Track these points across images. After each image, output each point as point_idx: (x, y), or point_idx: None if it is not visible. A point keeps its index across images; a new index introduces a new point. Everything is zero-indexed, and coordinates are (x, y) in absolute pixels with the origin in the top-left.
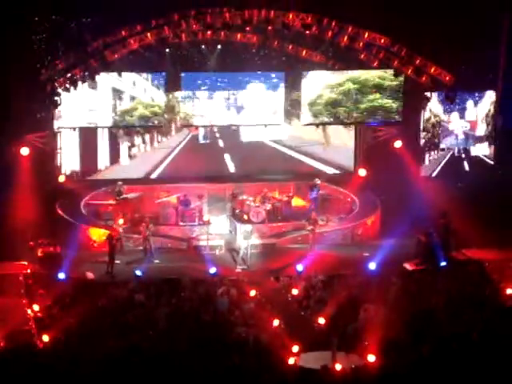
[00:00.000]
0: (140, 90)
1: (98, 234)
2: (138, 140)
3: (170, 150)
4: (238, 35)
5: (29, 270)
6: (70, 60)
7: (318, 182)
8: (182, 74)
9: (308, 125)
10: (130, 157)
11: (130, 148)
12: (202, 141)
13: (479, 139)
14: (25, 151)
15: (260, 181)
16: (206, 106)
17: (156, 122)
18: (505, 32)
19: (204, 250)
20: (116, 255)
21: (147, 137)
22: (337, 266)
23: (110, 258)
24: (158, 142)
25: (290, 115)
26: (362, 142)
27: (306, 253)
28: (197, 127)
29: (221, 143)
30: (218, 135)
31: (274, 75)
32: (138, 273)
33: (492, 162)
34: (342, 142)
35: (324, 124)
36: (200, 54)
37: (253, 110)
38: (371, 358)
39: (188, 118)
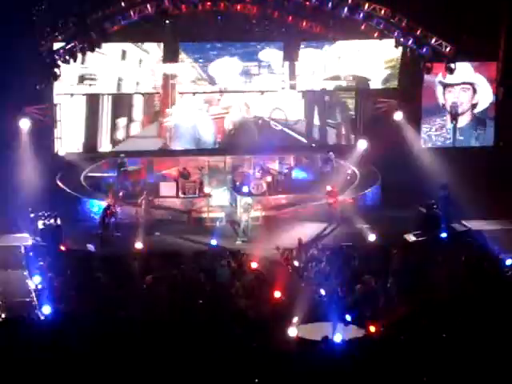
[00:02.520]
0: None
1: (98, 207)
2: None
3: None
4: (238, 6)
5: (30, 242)
6: (69, 32)
7: (332, 155)
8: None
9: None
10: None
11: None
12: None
13: None
14: (24, 124)
15: (260, 153)
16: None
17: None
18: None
19: (204, 222)
20: (115, 228)
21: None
22: (338, 237)
23: (104, 227)
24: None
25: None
26: (362, 114)
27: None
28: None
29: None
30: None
31: None
32: (139, 245)
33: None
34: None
35: (322, 91)
36: (199, 25)
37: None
38: (371, 328)
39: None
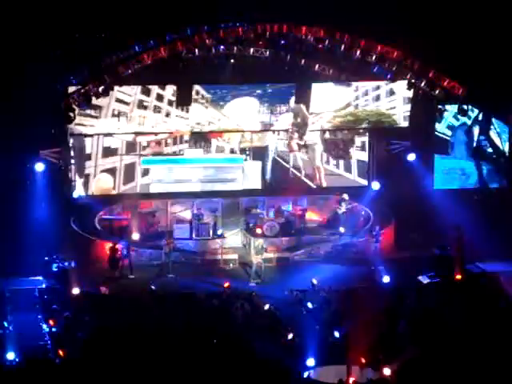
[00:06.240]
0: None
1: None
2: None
3: None
4: (251, 49)
5: (44, 285)
6: (84, 75)
7: (347, 197)
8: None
9: (313, 131)
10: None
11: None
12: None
13: None
14: (40, 167)
15: (274, 194)
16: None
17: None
18: None
19: (218, 264)
20: (129, 270)
21: None
22: (351, 279)
23: (112, 269)
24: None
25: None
26: (375, 156)
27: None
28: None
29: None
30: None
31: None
32: (153, 287)
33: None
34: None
35: (330, 130)
36: (212, 68)
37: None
38: (386, 371)
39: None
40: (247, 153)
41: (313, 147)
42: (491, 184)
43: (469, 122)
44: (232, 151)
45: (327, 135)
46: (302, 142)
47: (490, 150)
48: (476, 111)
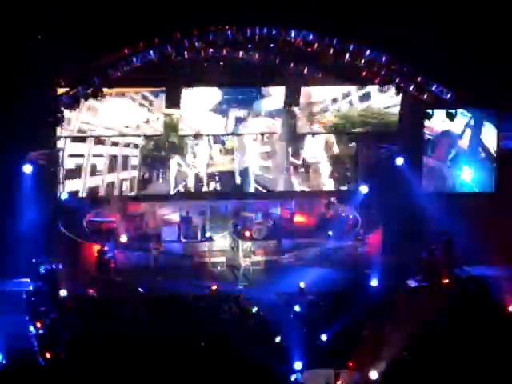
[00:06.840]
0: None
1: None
2: None
3: None
4: (240, 52)
5: (31, 287)
6: (72, 77)
7: (335, 200)
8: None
9: (303, 134)
10: None
11: None
12: None
13: None
14: (28, 168)
15: (262, 197)
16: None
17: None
18: None
19: (206, 266)
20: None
21: None
22: (339, 282)
23: (99, 271)
24: None
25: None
26: (364, 159)
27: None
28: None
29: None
30: None
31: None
32: (141, 290)
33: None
34: None
35: (319, 133)
36: (202, 71)
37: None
38: (374, 375)
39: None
40: (216, 179)
41: (316, 166)
42: (479, 189)
43: (465, 122)
44: (198, 178)
45: (335, 148)
46: (297, 161)
47: (482, 154)
48: (466, 116)
